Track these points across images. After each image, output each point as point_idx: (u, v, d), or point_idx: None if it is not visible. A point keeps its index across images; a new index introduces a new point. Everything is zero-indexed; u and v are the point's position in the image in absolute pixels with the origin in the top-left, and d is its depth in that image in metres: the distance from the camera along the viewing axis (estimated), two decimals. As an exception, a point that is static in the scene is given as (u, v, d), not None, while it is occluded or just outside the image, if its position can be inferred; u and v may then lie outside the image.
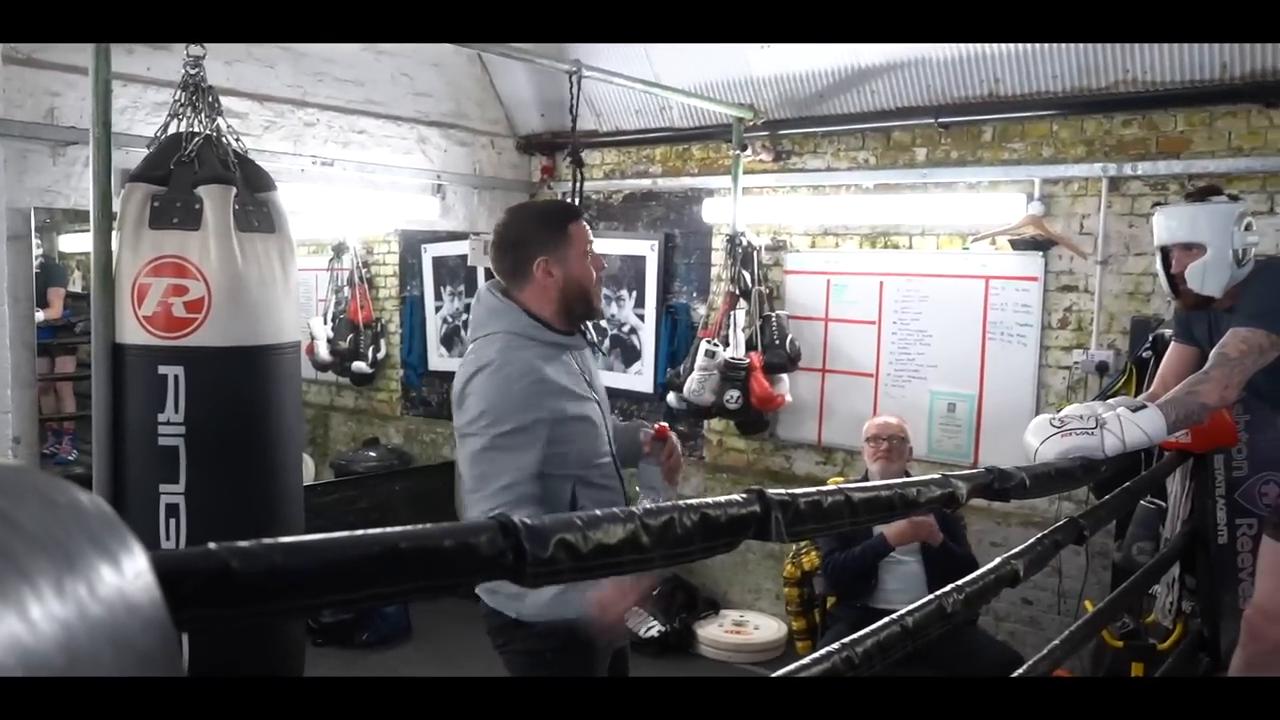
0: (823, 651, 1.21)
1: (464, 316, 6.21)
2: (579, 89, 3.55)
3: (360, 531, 0.79)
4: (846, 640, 1.26)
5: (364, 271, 6.68)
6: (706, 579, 5.22)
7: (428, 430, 6.47)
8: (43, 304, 5.94)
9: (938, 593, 1.51)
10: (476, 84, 5.51)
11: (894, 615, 1.38)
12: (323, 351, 6.53)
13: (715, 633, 4.81)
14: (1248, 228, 2.45)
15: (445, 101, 5.33)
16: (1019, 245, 4.23)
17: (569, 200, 4.08)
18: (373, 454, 6.39)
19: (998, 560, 1.69)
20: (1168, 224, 2.52)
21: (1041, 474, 1.94)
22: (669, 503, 1.00)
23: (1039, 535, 1.91)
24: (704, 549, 0.99)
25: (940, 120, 4.33)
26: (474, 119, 5.51)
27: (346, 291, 6.67)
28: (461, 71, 5.41)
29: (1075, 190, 4.11)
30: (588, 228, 2.24)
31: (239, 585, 0.71)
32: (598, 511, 0.90)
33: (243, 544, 0.73)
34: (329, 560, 0.78)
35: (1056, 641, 2.22)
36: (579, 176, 3.66)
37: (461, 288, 6.23)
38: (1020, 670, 2.07)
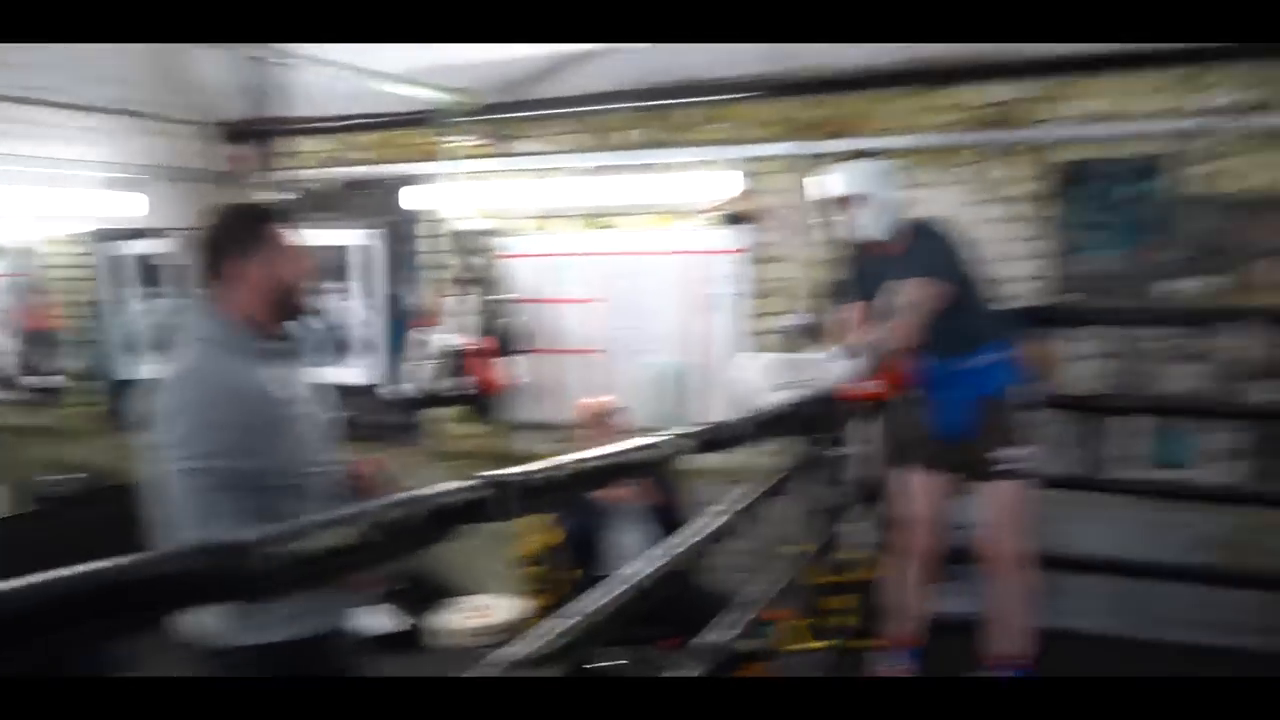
0: (556, 626, 1.27)
1: (164, 319, 5.77)
2: (276, 76, 3.39)
3: (66, 571, 0.75)
4: (586, 609, 1.33)
5: (43, 276, 6.03)
6: (444, 567, 5.19)
7: (130, 443, 5.97)
8: None
9: (663, 554, 1.61)
10: (166, 69, 5.11)
11: (625, 580, 1.46)
12: None
13: (455, 621, 4.81)
14: (898, 181, 2.80)
15: (131, 88, 4.90)
16: (725, 220, 4.51)
17: (276, 190, 3.92)
18: (68, 477, 5.82)
19: (713, 516, 1.83)
20: (839, 179, 2.84)
21: (753, 423, 2.09)
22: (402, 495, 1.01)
23: (748, 490, 2.07)
24: (438, 537, 1.01)
25: (649, 103, 4.52)
26: (166, 106, 5.11)
27: (24, 299, 6.00)
28: (147, 54, 4.98)
29: (773, 167, 4.43)
30: (291, 227, 2.17)
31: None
32: (324, 515, 0.90)
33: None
34: (24, 610, 0.73)
35: (766, 585, 2.43)
36: (283, 167, 3.51)
37: (159, 288, 5.78)
38: (733, 611, 2.23)
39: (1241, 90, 3.71)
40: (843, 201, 2.84)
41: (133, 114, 4.93)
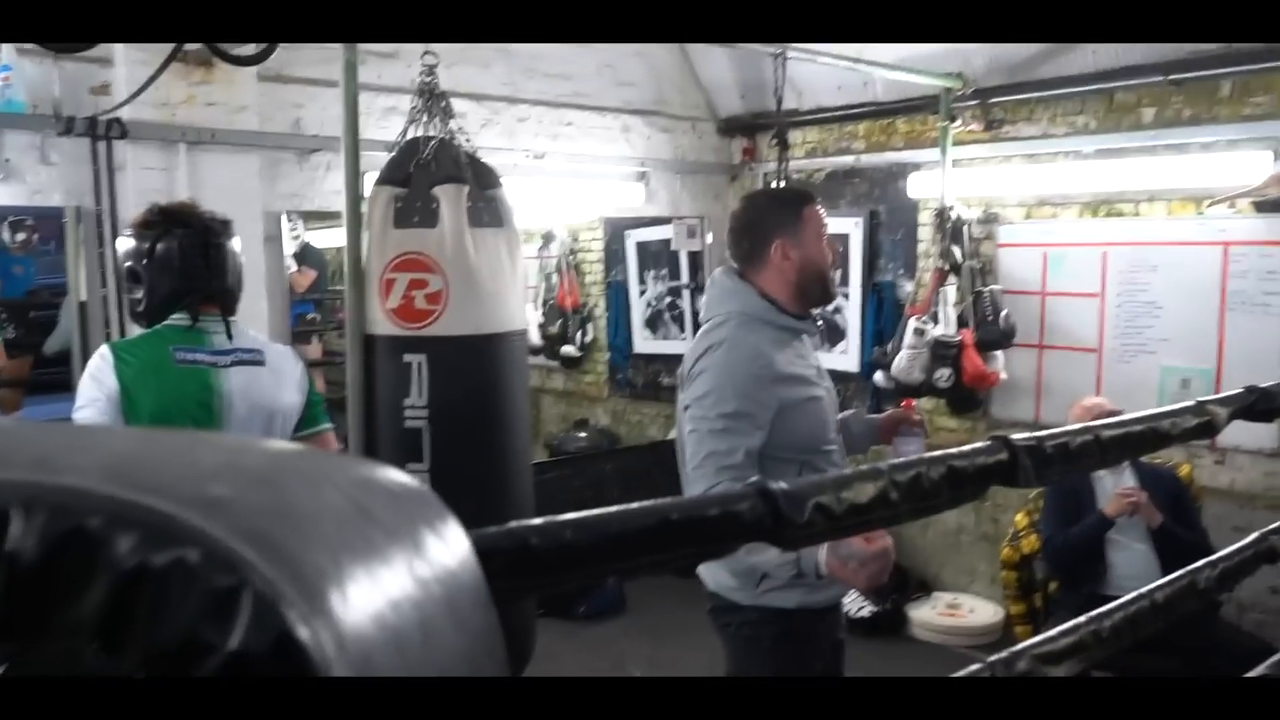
0: (1069, 625, 1.20)
1: (668, 299, 6.34)
2: (784, 70, 3.56)
3: (635, 505, 0.86)
4: (1093, 614, 1.24)
5: (571, 259, 6.93)
6: (918, 560, 5.13)
7: (634, 411, 6.66)
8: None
9: (1189, 568, 1.44)
10: (678, 70, 5.61)
11: (1142, 590, 1.33)
12: (534, 336, 6.83)
13: (928, 615, 4.74)
14: None
15: (648, 90, 5.46)
16: (1263, 208, 3.91)
17: (774, 180, 4.11)
18: (582, 434, 6.64)
19: (1255, 535, 1.60)
20: None
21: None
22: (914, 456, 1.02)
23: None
24: (951, 499, 1.00)
25: (1171, 78, 4.05)
26: (675, 105, 5.61)
27: (555, 279, 6.94)
28: (663, 59, 5.51)
29: (1326, 145, 3.76)
30: (823, 212, 2.26)
31: (537, 559, 0.80)
32: (847, 470, 0.94)
33: (537, 522, 0.81)
34: (611, 533, 0.85)
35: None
36: (784, 158, 3.68)
37: (665, 271, 6.37)
38: (1272, 659, 1.94)
39: None
40: None
41: (648, 113, 5.48)
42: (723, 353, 2.10)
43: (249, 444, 0.53)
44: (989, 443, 1.04)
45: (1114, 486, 3.50)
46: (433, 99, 2.75)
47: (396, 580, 0.43)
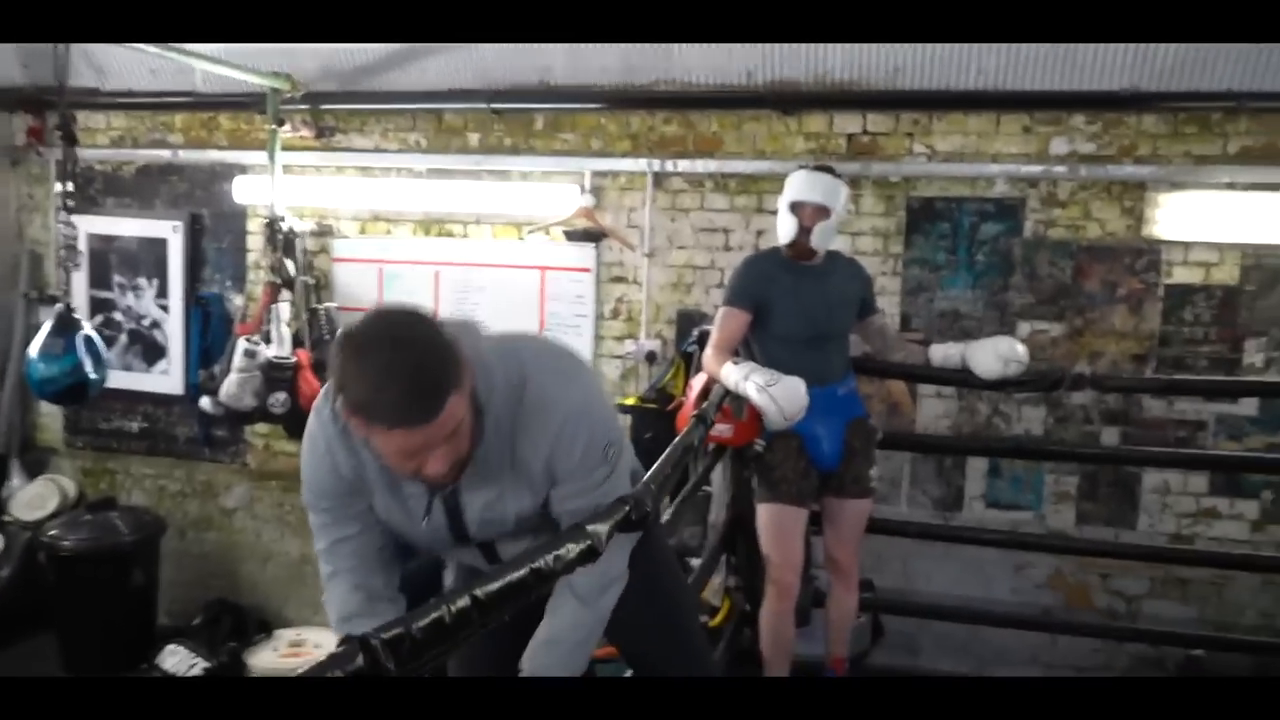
0: (434, 600, 1.25)
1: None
2: (68, 45, 2.91)
3: None
4: (453, 589, 1.33)
5: None
6: (257, 597, 4.74)
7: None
8: None
9: (536, 553, 1.47)
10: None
11: (496, 569, 1.42)
12: None
13: (270, 659, 4.35)
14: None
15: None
16: (572, 236, 4.27)
17: (63, 173, 3.40)
18: None
19: (577, 529, 1.61)
20: (815, 185, 2.90)
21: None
22: None
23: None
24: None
25: (493, 105, 4.22)
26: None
27: None
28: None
29: (623, 183, 4.23)
30: (400, 434, 1.37)
31: None
32: None
33: None
34: None
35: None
36: (71, 155, 3.02)
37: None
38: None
39: (1087, 139, 3.78)
40: (813, 209, 2.88)
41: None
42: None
43: None
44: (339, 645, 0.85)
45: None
46: None
47: None
